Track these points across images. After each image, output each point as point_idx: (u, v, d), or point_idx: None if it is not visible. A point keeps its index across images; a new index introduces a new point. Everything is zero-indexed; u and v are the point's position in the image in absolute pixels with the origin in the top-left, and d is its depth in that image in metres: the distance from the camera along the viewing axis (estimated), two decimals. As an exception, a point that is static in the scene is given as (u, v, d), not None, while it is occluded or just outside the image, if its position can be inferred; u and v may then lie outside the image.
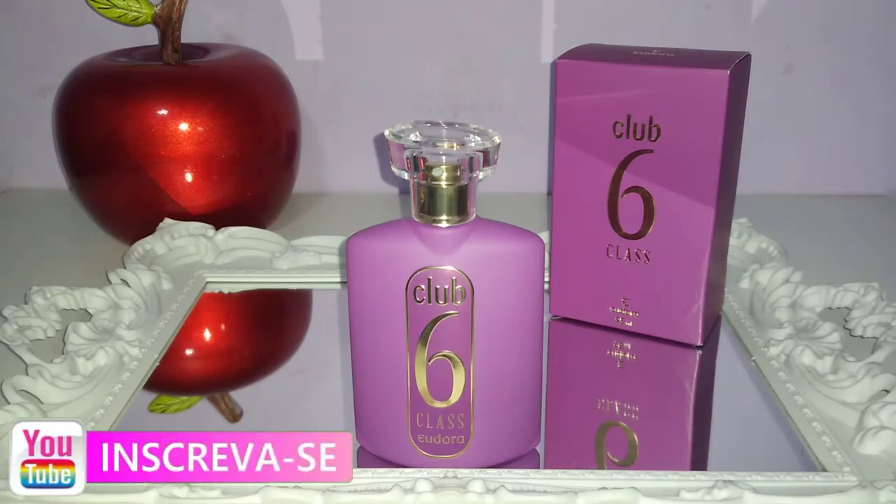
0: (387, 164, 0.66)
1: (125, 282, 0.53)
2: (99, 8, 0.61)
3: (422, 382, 0.37)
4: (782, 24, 0.70)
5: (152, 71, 0.60)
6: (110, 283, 0.53)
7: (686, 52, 0.47)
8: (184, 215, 0.60)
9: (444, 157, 0.35)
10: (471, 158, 0.35)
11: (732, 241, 0.58)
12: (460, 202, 0.36)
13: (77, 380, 0.44)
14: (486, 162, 0.35)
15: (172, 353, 0.49)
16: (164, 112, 0.58)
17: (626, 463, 0.40)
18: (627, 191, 0.47)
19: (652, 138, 0.46)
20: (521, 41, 0.71)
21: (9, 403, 0.41)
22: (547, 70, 0.72)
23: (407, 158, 0.35)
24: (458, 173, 0.35)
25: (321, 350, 0.52)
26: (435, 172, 0.35)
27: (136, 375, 0.45)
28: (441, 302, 0.36)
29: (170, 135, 0.58)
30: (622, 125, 0.46)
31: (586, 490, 0.36)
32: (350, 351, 0.39)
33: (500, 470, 0.37)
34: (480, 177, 0.35)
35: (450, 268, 0.35)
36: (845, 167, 0.75)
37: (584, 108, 0.47)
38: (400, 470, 0.38)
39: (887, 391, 0.42)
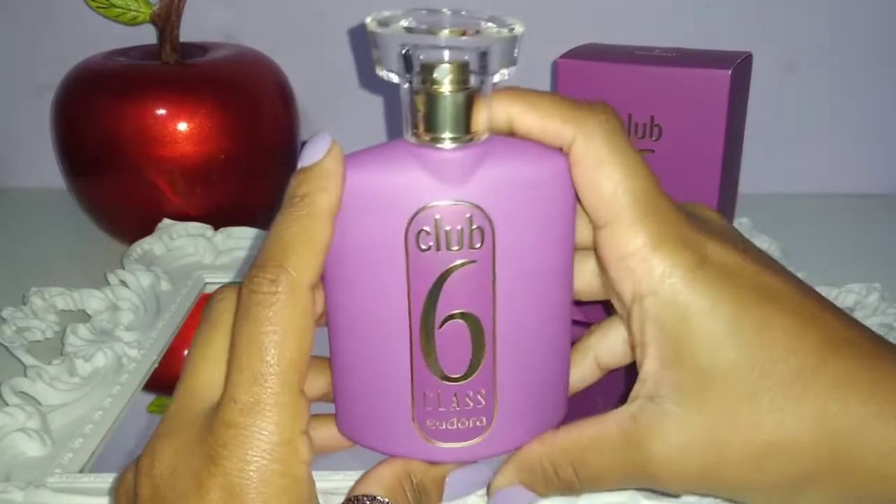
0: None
1: (124, 283, 0.53)
2: (97, 7, 0.61)
3: (430, 353, 0.29)
4: (783, 23, 0.70)
5: (151, 70, 0.60)
6: (109, 283, 0.53)
7: (687, 51, 0.47)
8: (183, 215, 0.60)
9: (447, 52, 0.26)
10: (483, 53, 0.26)
11: (733, 241, 0.58)
12: (469, 114, 0.27)
13: (76, 381, 0.44)
14: (504, 59, 0.27)
15: (171, 354, 0.49)
16: (162, 112, 0.58)
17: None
18: (628, 191, 0.47)
19: (653, 138, 0.46)
20: (521, 41, 0.71)
21: (7, 405, 0.41)
22: (547, 70, 0.71)
23: (398, 55, 0.26)
24: (467, 74, 0.26)
25: (321, 350, 0.52)
26: (437, 74, 0.26)
27: (134, 377, 0.45)
28: (454, 248, 0.27)
29: (168, 134, 0.58)
30: (623, 125, 0.46)
31: (587, 492, 0.35)
32: (326, 320, 0.30)
33: (501, 472, 0.37)
34: (496, 79, 0.27)
35: (463, 202, 0.27)
36: (846, 167, 0.75)
37: (584, 108, 0.47)
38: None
39: (889, 392, 0.42)
